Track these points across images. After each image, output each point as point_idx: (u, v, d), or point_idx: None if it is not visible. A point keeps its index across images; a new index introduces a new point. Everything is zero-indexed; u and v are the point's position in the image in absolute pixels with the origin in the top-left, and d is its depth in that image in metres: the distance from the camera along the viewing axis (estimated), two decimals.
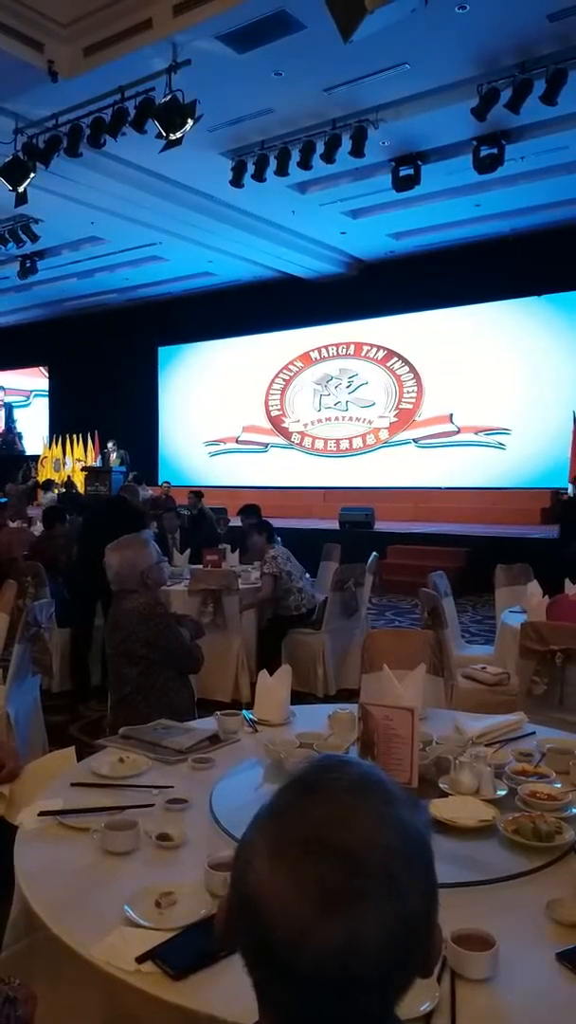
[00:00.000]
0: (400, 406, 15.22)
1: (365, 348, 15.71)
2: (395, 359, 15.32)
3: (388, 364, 15.42)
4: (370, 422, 15.60)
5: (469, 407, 14.20)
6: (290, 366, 16.56)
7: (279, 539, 6.33)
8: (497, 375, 13.84)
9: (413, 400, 15.06)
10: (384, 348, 15.45)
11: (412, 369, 15.06)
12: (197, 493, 11.27)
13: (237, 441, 17.14)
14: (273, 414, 16.71)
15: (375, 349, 15.58)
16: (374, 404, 15.57)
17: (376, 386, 15.56)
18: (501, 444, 13.90)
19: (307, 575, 6.25)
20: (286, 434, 16.55)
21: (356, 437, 15.75)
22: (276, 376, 16.69)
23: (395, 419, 15.27)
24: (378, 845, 0.72)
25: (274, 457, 16.76)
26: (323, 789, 0.76)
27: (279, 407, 16.64)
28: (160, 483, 14.12)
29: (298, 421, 16.44)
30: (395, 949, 0.71)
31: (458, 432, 14.39)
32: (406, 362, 15.15)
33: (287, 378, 16.58)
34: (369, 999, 0.71)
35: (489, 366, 13.94)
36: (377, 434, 15.48)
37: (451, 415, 14.49)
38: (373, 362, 15.60)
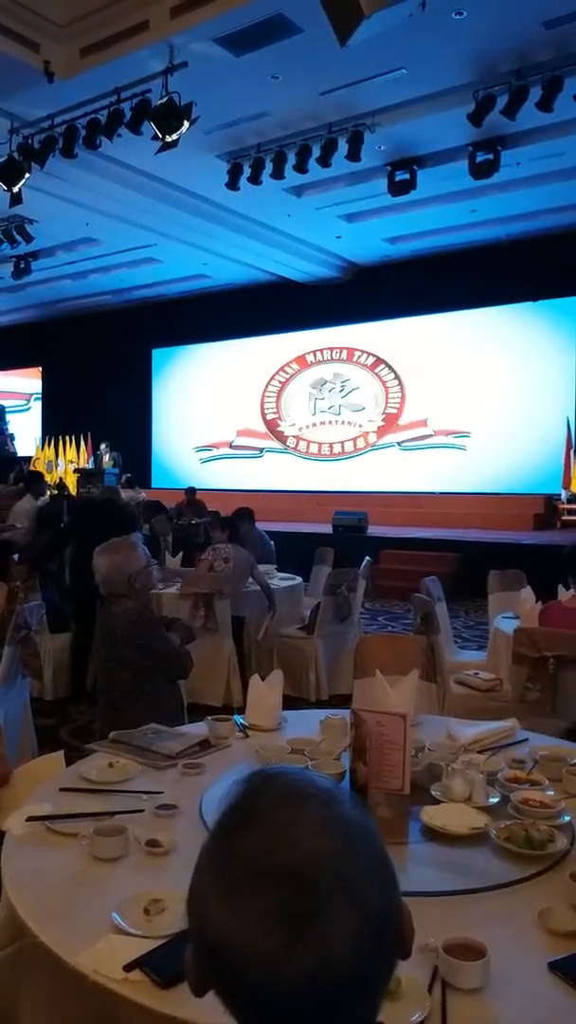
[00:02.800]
0: (387, 410, 15.26)
1: (357, 354, 15.73)
2: (382, 365, 15.36)
3: (376, 370, 15.45)
4: (360, 426, 15.64)
5: (462, 413, 14.21)
6: (285, 368, 16.56)
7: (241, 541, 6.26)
8: (491, 380, 13.86)
9: (397, 405, 15.12)
10: (372, 354, 15.50)
11: (399, 376, 15.08)
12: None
13: (231, 446, 17.12)
14: (268, 417, 16.71)
15: (365, 355, 15.61)
16: (364, 408, 15.61)
17: (366, 391, 15.59)
18: (492, 453, 13.89)
19: (249, 582, 6.03)
20: (281, 438, 16.54)
21: (348, 440, 15.77)
22: (271, 379, 16.69)
23: (383, 423, 15.33)
24: (324, 854, 0.71)
25: (267, 460, 16.75)
26: (255, 814, 0.74)
27: (275, 410, 16.64)
28: (185, 487, 13.45)
29: (293, 425, 16.44)
30: (369, 945, 0.70)
31: (442, 441, 14.42)
32: (392, 369, 15.19)
33: (283, 381, 16.59)
34: (356, 1003, 0.71)
35: (483, 371, 13.96)
36: (366, 437, 15.53)
37: (441, 419, 14.52)
38: (363, 367, 15.63)
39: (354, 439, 15.70)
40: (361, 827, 0.75)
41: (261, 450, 16.79)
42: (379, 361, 15.41)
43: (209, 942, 0.72)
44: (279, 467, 16.50)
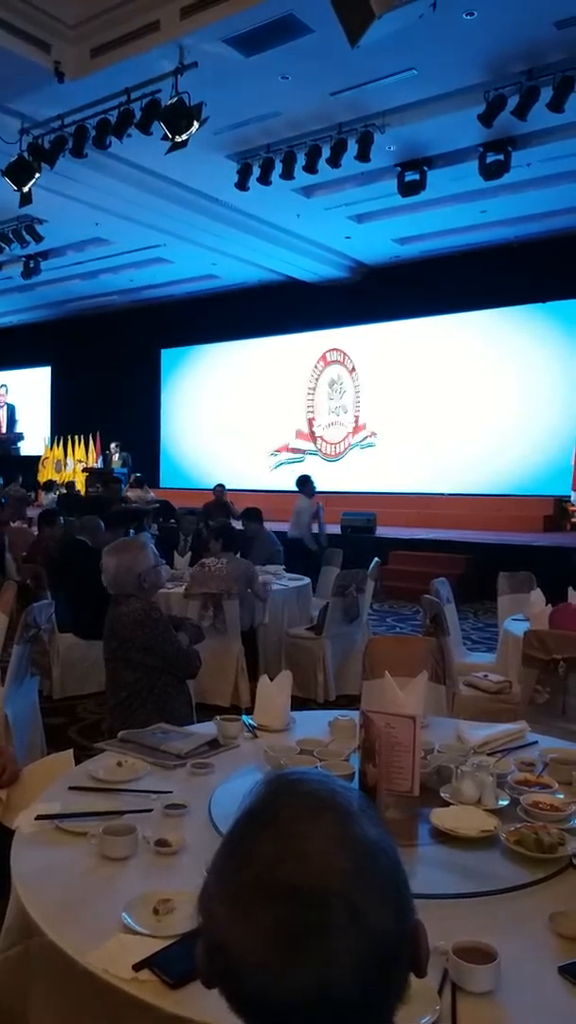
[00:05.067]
0: (394, 411, 15.22)
1: (363, 354, 15.70)
2: (392, 365, 15.32)
3: (384, 369, 15.43)
4: (363, 426, 15.61)
5: (472, 412, 14.17)
6: (292, 373, 16.56)
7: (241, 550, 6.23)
8: (501, 381, 13.82)
9: (408, 406, 15.08)
10: (381, 354, 15.46)
11: (409, 376, 15.08)
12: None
13: (289, 449, 16.98)
14: (308, 417, 16.72)
15: (371, 355, 15.58)
16: (367, 407, 15.60)
17: (373, 392, 15.56)
18: (503, 455, 13.86)
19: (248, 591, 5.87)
20: (313, 439, 16.57)
21: (352, 441, 15.75)
22: (276, 381, 16.71)
23: (389, 425, 15.28)
24: (333, 874, 0.69)
25: (278, 454, 16.73)
26: (272, 821, 0.74)
27: (312, 411, 16.64)
28: (213, 486, 12.58)
29: (320, 424, 16.49)
30: (373, 969, 0.69)
31: (453, 443, 14.39)
32: (403, 368, 15.16)
33: (288, 383, 16.61)
34: (359, 1020, 0.70)
35: (493, 372, 13.93)
36: (370, 439, 15.52)
37: (444, 425, 14.50)
38: (370, 367, 15.62)
39: (358, 439, 15.71)
40: (378, 846, 0.73)
41: (303, 453, 16.73)
42: (387, 360, 15.35)
43: (214, 941, 0.72)
44: (288, 461, 16.50)
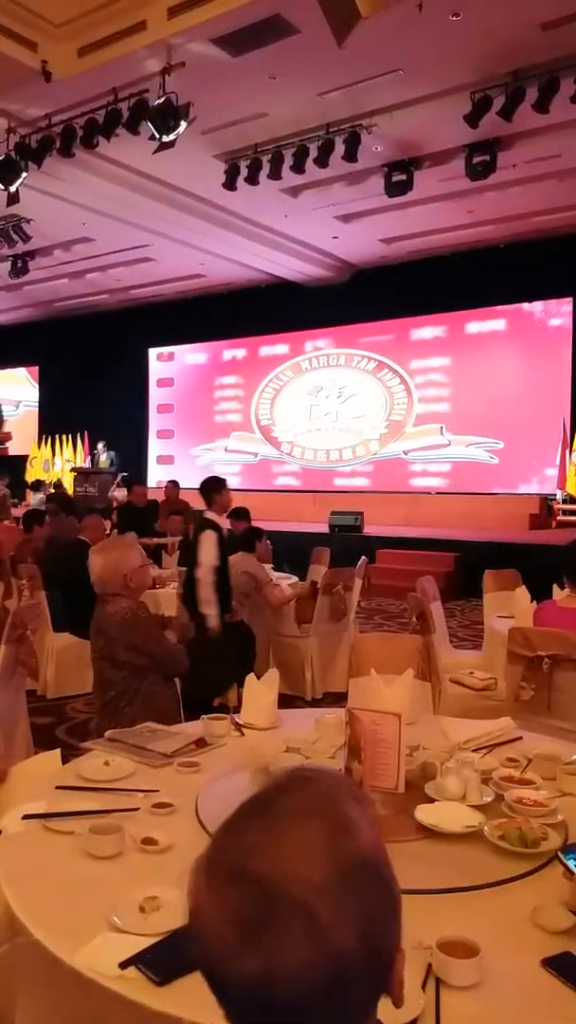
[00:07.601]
0: (391, 417, 15.15)
1: (356, 359, 15.61)
2: (385, 370, 15.24)
3: (379, 375, 15.36)
4: (360, 432, 15.48)
5: (459, 415, 14.22)
6: (280, 376, 16.48)
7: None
8: (487, 382, 13.86)
9: (404, 411, 15.00)
10: (375, 359, 15.38)
11: (403, 380, 15.02)
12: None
13: (226, 450, 17.08)
14: (263, 423, 16.63)
15: (366, 360, 15.49)
16: (363, 416, 15.45)
17: (367, 397, 15.46)
18: (491, 455, 13.91)
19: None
20: (275, 444, 16.46)
21: (346, 448, 15.63)
22: (267, 384, 16.63)
23: (385, 430, 15.20)
24: (299, 879, 0.70)
25: (263, 461, 16.72)
26: (268, 813, 0.75)
27: (269, 416, 16.56)
28: (166, 483, 11.83)
29: (287, 430, 16.33)
30: (321, 983, 0.69)
31: (448, 445, 14.38)
32: (396, 373, 15.09)
33: (277, 387, 16.51)
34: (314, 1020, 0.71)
35: (479, 373, 13.97)
36: (367, 445, 15.40)
37: (441, 427, 14.48)
38: (364, 372, 15.52)
39: (353, 447, 15.57)
40: (364, 867, 0.73)
41: (256, 455, 16.74)
42: (382, 365, 15.31)
43: (191, 904, 0.75)
44: (276, 467, 16.48)
